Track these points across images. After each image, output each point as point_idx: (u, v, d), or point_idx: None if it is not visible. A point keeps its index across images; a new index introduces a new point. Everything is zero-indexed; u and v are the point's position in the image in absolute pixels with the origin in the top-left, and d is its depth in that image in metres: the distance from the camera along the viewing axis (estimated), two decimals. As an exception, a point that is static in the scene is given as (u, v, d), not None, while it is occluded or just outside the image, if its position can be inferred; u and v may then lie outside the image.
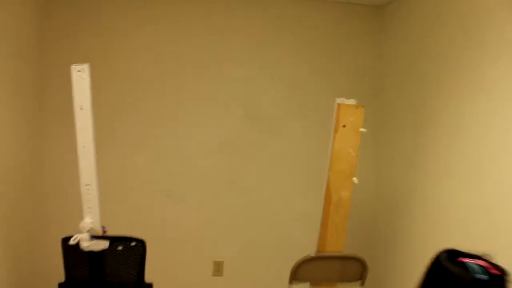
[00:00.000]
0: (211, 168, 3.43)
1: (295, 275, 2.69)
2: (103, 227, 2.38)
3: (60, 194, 3.20)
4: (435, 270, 1.23)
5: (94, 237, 2.30)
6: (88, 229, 2.30)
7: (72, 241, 2.29)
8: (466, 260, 1.18)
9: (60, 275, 2.43)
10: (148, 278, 2.46)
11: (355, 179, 2.62)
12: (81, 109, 2.20)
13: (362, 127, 2.56)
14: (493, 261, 1.19)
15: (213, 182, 3.43)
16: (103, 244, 2.30)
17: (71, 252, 2.38)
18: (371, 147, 3.49)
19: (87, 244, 2.27)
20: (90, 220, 2.31)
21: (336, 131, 2.57)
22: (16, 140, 2.91)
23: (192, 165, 3.41)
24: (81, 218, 2.33)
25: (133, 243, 2.38)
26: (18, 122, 2.92)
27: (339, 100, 2.57)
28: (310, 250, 2.76)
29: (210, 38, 3.45)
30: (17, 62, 2.89)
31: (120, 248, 2.36)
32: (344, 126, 2.56)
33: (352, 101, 2.58)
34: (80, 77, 2.17)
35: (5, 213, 2.80)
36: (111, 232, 2.42)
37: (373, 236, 3.53)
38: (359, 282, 2.77)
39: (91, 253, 2.32)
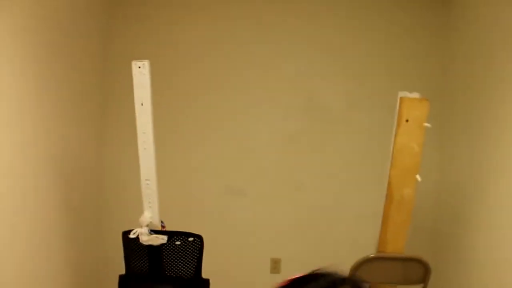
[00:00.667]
0: (273, 163, 3.41)
1: (354, 275, 2.61)
2: (162, 222, 2.41)
3: (122, 188, 3.28)
4: None
5: (153, 231, 2.33)
6: (147, 224, 2.34)
7: (132, 235, 2.33)
8: None
9: (121, 267, 2.48)
10: (205, 273, 2.45)
11: (418, 177, 2.50)
12: (142, 105, 2.23)
13: (426, 122, 2.44)
14: None
15: (274, 177, 3.41)
16: (162, 239, 2.32)
17: (131, 246, 2.42)
18: (434, 143, 3.31)
19: (146, 238, 2.30)
20: (150, 215, 2.35)
21: (399, 125, 2.45)
22: (80, 136, 3.01)
23: (254, 160, 3.41)
24: (141, 212, 2.37)
25: (191, 239, 2.39)
26: (82, 118, 3.02)
27: (402, 93, 2.45)
28: (370, 250, 2.66)
29: (272, 33, 3.42)
30: (83, 58, 2.99)
31: (178, 243, 2.37)
32: (407, 120, 2.44)
33: (415, 95, 2.45)
34: (141, 73, 2.20)
35: (74, 208, 2.91)
36: (171, 227, 2.45)
37: (434, 237, 3.37)
38: (421, 285, 2.64)
39: (150, 247, 2.35)
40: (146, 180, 2.32)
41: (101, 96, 3.29)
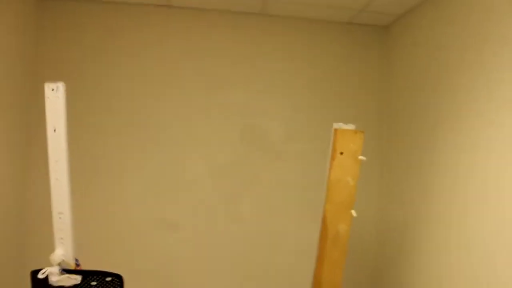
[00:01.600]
0: (208, 195, 3.25)
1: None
2: (76, 260, 2.18)
3: (46, 222, 3.01)
4: None
5: (65, 271, 2.10)
6: (59, 262, 2.10)
7: (40, 275, 2.08)
8: None
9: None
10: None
11: (353, 212, 2.41)
12: (55, 131, 2.03)
13: (361, 155, 2.36)
14: None
15: (208, 209, 3.24)
16: (75, 279, 2.09)
17: (41, 287, 2.18)
18: (374, 177, 3.28)
19: (57, 279, 2.07)
20: (62, 252, 2.12)
21: (333, 158, 2.37)
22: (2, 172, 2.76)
23: (188, 192, 3.24)
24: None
25: (108, 278, 2.16)
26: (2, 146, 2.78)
27: (336, 125, 2.38)
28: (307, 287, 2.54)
29: (208, 61, 3.30)
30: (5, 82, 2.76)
31: (94, 283, 2.15)
32: (341, 153, 2.36)
33: (350, 126, 2.38)
34: (54, 95, 2.01)
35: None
36: (91, 266, 2.23)
37: (374, 276, 3.28)
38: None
39: (62, 289, 2.12)
40: (59, 213, 2.10)
41: (24, 123, 3.05)
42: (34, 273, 2.15)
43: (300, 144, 3.30)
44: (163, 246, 3.17)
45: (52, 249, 2.16)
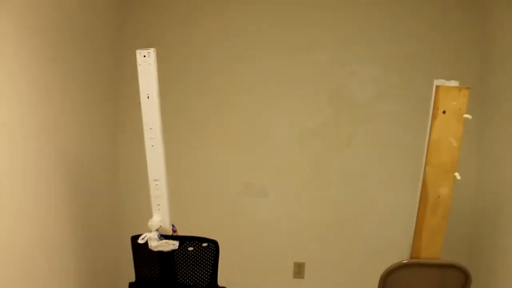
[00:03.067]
0: (294, 160, 3.18)
1: (385, 283, 2.36)
2: (173, 226, 2.22)
3: (138, 189, 3.09)
4: None
5: (163, 236, 2.14)
6: (157, 228, 2.14)
7: (140, 240, 2.14)
8: None
9: (132, 274, 2.31)
10: (222, 281, 2.26)
11: (457, 175, 2.24)
12: (148, 97, 2.03)
13: (466, 113, 2.17)
14: None
15: (296, 175, 3.18)
16: (173, 245, 2.12)
17: (141, 251, 2.24)
18: (473, 137, 3.02)
19: (156, 244, 2.11)
20: (159, 218, 2.16)
21: (434, 117, 2.19)
22: (93, 134, 2.86)
23: (276, 157, 3.19)
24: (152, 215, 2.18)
25: (204, 244, 2.19)
26: (94, 115, 2.88)
27: (438, 81, 2.19)
28: (403, 255, 2.42)
29: (294, 19, 3.17)
30: (95, 54, 2.84)
31: (191, 249, 2.18)
32: (444, 112, 2.18)
33: (453, 83, 2.19)
34: (146, 62, 2.00)
35: (86, 209, 2.78)
36: (184, 231, 2.25)
37: (471, 243, 3.10)
38: (460, 295, 2.39)
39: (161, 254, 2.16)
40: (155, 180, 2.12)
41: (114, 91, 3.12)
42: (134, 238, 2.22)
43: (393, 104, 3.11)
44: (251, 211, 3.16)
45: (146, 214, 2.20)
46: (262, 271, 3.18)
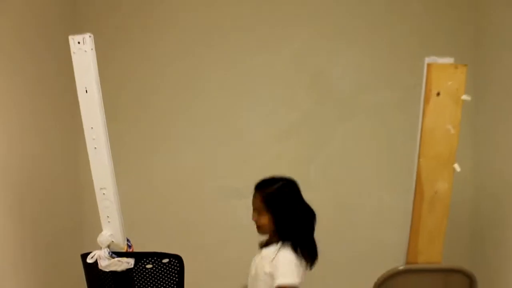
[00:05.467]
0: (271, 159, 2.87)
1: (379, 293, 2.08)
2: (128, 241, 1.91)
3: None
4: None
5: (116, 253, 1.83)
6: (107, 244, 1.83)
7: (89, 260, 1.83)
8: None
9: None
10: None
11: (456, 166, 1.94)
12: (86, 91, 1.72)
13: (464, 94, 1.87)
14: None
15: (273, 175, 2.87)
16: (127, 263, 1.81)
17: (93, 271, 1.92)
18: (468, 122, 2.70)
19: (106, 263, 1.80)
20: (110, 233, 1.84)
21: (427, 101, 1.89)
22: (50, 136, 2.60)
23: (249, 156, 2.88)
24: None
25: (165, 260, 1.88)
26: (50, 116, 2.61)
27: (429, 59, 1.88)
28: (398, 260, 2.13)
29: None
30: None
31: (149, 266, 1.87)
32: (438, 94, 1.88)
33: (448, 60, 1.88)
34: (81, 50, 1.68)
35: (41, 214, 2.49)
36: (142, 247, 1.94)
37: (471, 242, 2.81)
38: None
39: (116, 273, 1.85)
40: (101, 189, 1.81)
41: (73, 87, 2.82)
42: (84, 256, 1.91)
43: (379, 93, 2.81)
44: (225, 216, 2.86)
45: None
46: (237, 279, 2.88)
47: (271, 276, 1.81)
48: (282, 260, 1.80)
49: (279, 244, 1.85)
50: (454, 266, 2.07)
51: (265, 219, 1.90)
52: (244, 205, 2.81)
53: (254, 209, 1.95)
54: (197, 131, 2.89)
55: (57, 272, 2.65)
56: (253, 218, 1.95)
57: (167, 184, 2.88)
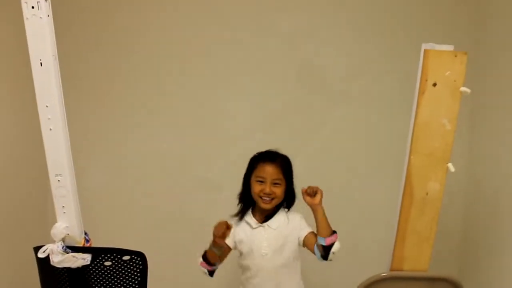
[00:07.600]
0: (254, 150, 2.69)
1: (360, 301, 1.92)
2: (85, 235, 1.72)
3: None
4: None
5: (71, 248, 1.63)
6: (62, 238, 1.64)
7: (40, 254, 1.64)
8: None
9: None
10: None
11: (450, 166, 1.79)
12: (41, 65, 1.51)
13: (463, 86, 1.71)
14: None
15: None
16: (82, 259, 1.63)
17: (46, 267, 1.73)
18: (464, 117, 2.55)
19: (59, 259, 1.61)
20: (65, 225, 1.65)
21: (422, 92, 1.73)
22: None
23: (231, 146, 2.73)
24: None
25: (126, 257, 1.69)
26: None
27: (427, 45, 1.72)
28: (382, 266, 1.97)
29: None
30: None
31: (108, 264, 1.69)
32: (434, 84, 1.72)
33: (447, 47, 1.72)
34: (36, 16, 1.47)
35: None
36: (113, 242, 1.76)
37: (462, 248, 2.67)
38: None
39: (71, 270, 1.66)
40: (56, 175, 1.61)
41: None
42: (36, 250, 1.72)
43: (371, 81, 2.64)
44: (201, 211, 2.67)
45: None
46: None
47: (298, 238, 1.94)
48: (301, 217, 1.98)
49: (285, 210, 1.99)
50: (441, 275, 1.93)
51: (281, 189, 1.92)
52: (224, 199, 2.65)
53: (271, 182, 1.91)
54: (176, 117, 2.73)
55: (19, 265, 2.47)
56: (267, 191, 1.90)
57: (139, 174, 2.69)
